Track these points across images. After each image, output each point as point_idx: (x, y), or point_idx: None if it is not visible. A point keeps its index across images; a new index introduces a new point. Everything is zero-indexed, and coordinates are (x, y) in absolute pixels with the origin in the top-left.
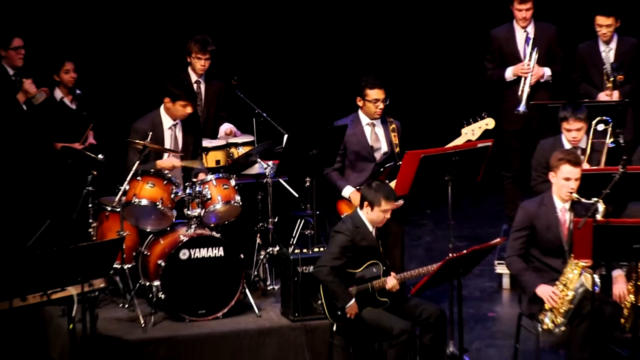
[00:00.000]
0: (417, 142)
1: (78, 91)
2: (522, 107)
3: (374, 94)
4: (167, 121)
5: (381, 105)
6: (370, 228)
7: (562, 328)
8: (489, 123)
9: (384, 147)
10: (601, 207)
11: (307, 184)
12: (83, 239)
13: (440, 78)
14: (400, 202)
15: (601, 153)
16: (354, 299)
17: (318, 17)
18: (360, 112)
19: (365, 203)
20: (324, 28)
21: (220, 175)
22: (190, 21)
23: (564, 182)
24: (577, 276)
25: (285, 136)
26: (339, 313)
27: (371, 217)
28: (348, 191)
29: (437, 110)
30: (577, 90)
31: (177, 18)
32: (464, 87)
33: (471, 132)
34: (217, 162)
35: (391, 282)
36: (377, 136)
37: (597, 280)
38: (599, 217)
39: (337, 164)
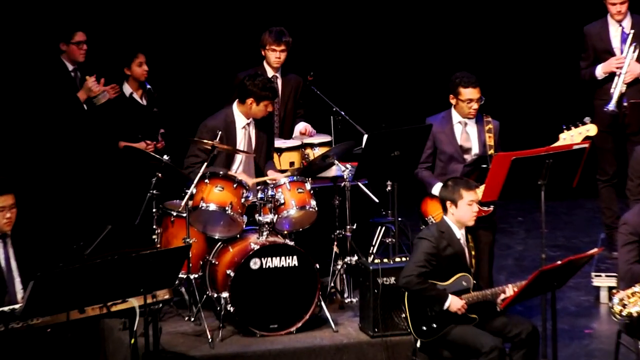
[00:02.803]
0: (512, 146)
1: (148, 85)
2: (611, 106)
3: (468, 93)
4: (240, 120)
5: (475, 105)
6: (458, 234)
7: (624, 318)
8: (590, 129)
9: (475, 148)
10: None
11: (389, 188)
12: (146, 246)
13: (540, 78)
14: (490, 208)
15: None
16: (450, 295)
17: (406, 3)
18: (452, 109)
19: (448, 203)
20: (411, 15)
21: (295, 178)
22: (264, 11)
23: None
24: None
25: (365, 136)
26: (424, 328)
27: (459, 216)
28: (438, 188)
29: (537, 113)
30: None
31: (251, 8)
32: (566, 89)
33: (570, 138)
34: (292, 163)
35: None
36: (467, 135)
37: None
38: None
39: (427, 164)
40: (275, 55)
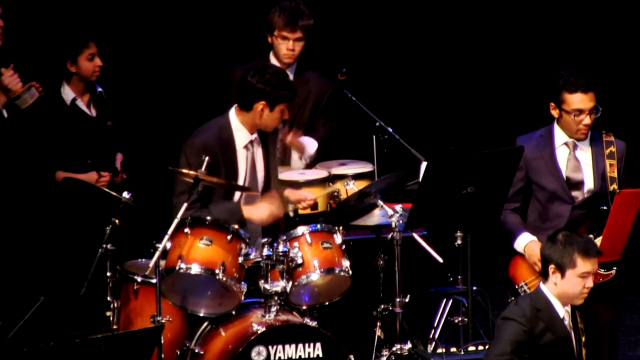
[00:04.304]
0: None
1: (100, 88)
2: None
3: (576, 100)
4: (241, 136)
5: (587, 120)
6: (561, 311)
7: None
8: None
9: (589, 182)
10: None
11: (459, 242)
12: (97, 328)
13: None
14: (612, 271)
15: None
16: None
17: None
18: (555, 125)
19: (551, 268)
20: None
21: (318, 227)
22: None
23: None
24: None
25: (424, 164)
26: None
27: (563, 289)
28: (523, 241)
29: None
30: None
31: None
32: None
33: None
34: (313, 205)
35: None
36: (577, 163)
37: None
38: None
39: (515, 204)
40: (287, 46)
